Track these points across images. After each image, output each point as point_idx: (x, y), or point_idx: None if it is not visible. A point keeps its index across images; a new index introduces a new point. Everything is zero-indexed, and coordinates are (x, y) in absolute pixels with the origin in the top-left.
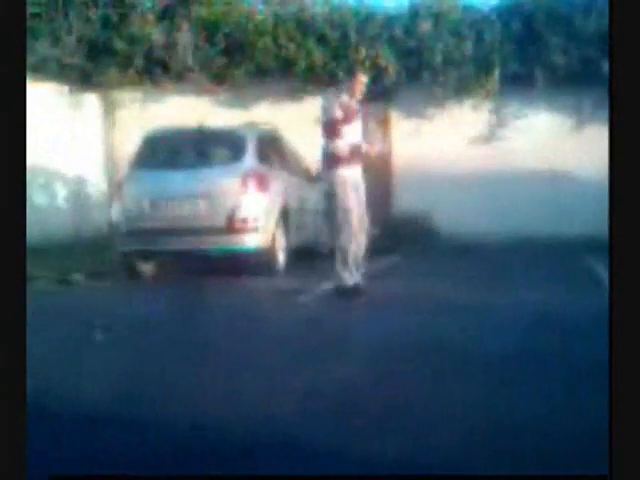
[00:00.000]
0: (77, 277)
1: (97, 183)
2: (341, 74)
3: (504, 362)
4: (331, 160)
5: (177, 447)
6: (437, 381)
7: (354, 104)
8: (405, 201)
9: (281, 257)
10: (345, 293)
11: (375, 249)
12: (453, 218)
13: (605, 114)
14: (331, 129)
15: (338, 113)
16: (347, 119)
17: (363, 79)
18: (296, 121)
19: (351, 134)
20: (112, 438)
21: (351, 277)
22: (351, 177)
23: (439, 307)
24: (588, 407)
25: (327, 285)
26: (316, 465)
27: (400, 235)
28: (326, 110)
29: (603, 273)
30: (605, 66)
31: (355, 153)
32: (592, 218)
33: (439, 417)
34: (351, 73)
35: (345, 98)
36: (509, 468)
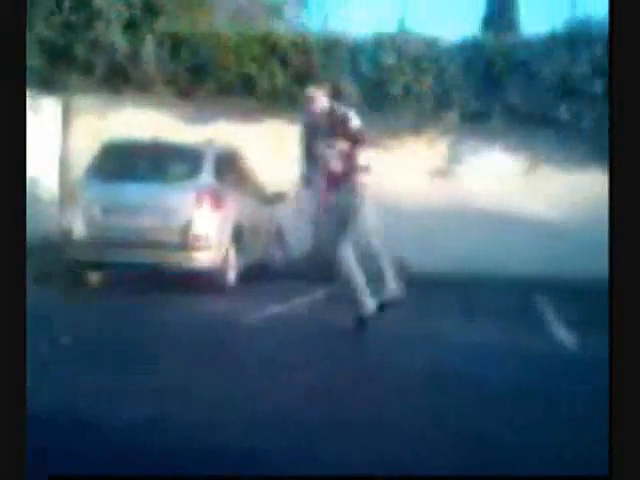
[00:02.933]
0: None
1: (50, 188)
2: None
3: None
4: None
5: (173, 447)
6: (405, 397)
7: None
8: None
9: (232, 275)
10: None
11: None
12: (405, 251)
13: (558, 155)
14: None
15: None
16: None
17: (317, 94)
18: (255, 141)
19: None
20: (111, 438)
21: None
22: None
23: (392, 334)
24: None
25: (278, 307)
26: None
27: None
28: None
29: (549, 312)
30: (560, 110)
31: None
32: (541, 257)
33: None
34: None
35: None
36: (508, 468)
